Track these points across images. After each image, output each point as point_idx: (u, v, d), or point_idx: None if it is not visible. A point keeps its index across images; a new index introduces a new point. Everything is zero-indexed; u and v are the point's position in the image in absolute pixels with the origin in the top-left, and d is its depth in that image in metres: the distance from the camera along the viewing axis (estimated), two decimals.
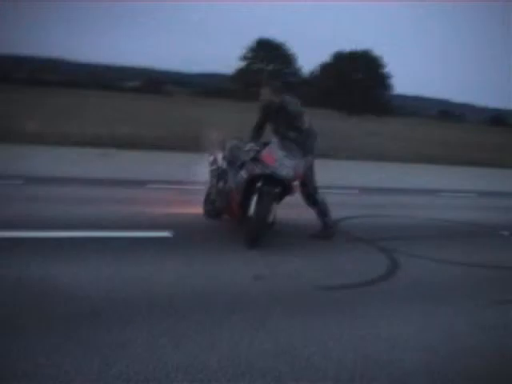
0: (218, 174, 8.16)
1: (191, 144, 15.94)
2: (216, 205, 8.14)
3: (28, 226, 7.08)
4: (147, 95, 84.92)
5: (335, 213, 8.63)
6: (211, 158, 8.47)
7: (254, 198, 7.13)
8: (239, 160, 7.66)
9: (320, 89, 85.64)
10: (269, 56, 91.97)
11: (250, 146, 7.46)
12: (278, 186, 7.16)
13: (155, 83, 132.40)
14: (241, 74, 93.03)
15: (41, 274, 5.46)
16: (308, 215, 8.44)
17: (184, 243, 7.05)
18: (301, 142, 7.42)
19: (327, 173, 9.27)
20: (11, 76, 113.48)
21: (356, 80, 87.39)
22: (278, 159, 7.12)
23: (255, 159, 7.26)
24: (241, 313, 4.99)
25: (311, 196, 7.85)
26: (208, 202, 8.43)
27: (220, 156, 8.33)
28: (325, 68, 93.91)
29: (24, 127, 17.68)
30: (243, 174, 7.29)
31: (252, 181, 7.19)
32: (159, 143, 18.50)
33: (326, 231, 8.04)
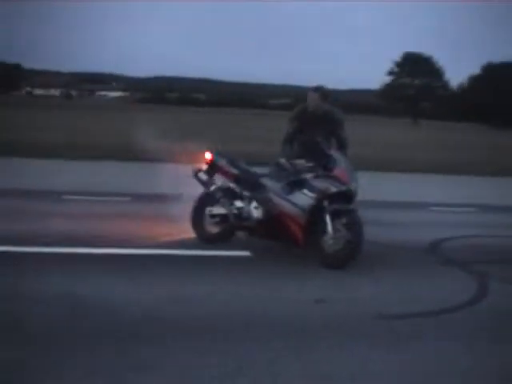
0: (228, 194, 7.25)
1: None
2: (231, 228, 7.24)
3: None
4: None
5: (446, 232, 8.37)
6: (204, 177, 7.44)
7: (327, 218, 6.60)
8: (284, 178, 6.92)
9: (471, 102, 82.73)
10: (416, 70, 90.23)
11: (299, 162, 6.96)
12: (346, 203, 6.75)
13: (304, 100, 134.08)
14: (387, 89, 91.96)
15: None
16: (387, 234, 8.17)
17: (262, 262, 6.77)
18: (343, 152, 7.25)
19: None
20: (164, 96, 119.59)
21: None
22: (350, 174, 6.75)
23: (324, 176, 6.72)
24: (284, 338, 4.59)
25: None
26: (202, 224, 7.34)
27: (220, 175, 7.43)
28: (475, 80, 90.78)
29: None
30: (309, 193, 6.66)
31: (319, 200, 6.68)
32: None
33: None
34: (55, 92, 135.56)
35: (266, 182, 7.04)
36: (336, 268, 6.54)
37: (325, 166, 6.78)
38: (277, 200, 6.83)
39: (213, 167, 7.39)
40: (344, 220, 6.60)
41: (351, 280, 6.30)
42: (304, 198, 6.67)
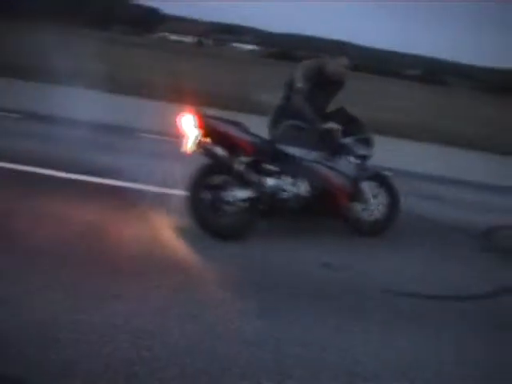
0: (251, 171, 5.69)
1: None
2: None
3: None
4: (426, 85, 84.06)
5: None
6: (219, 151, 5.62)
7: (366, 185, 6.24)
8: (320, 145, 6.00)
9: None
10: None
11: (329, 125, 5.98)
12: None
13: (436, 73, 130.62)
14: None
15: None
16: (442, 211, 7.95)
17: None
18: None
19: None
20: (293, 53, 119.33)
21: None
22: None
23: (362, 140, 6.17)
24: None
25: None
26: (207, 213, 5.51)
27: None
28: None
29: None
30: (354, 160, 6.12)
31: None
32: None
33: None
34: (189, 39, 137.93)
35: (291, 149, 5.92)
36: (373, 236, 6.27)
37: (349, 128, 6.10)
38: (325, 171, 5.94)
39: (213, 136, 5.59)
40: (381, 186, 6.36)
41: (371, 250, 5.92)
42: (350, 165, 6.06)
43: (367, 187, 6.26)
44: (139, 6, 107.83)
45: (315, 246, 5.70)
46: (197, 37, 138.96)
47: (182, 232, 5.50)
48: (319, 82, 6.21)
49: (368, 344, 3.88)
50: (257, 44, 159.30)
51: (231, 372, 3.26)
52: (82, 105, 11.38)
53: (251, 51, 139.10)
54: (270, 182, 5.72)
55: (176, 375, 3.14)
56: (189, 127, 5.50)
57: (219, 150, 5.57)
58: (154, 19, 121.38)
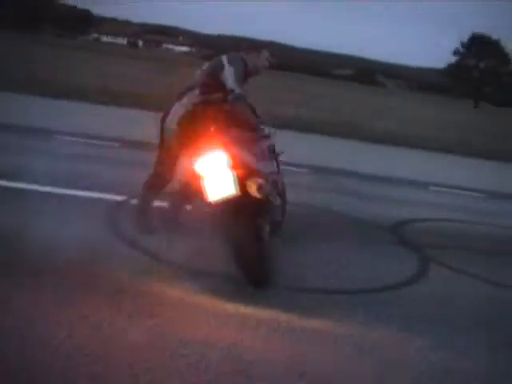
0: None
1: None
2: None
3: None
4: (360, 85, 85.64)
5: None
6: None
7: None
8: None
9: None
10: (482, 53, 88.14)
11: None
12: None
13: (366, 73, 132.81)
14: (452, 69, 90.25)
15: None
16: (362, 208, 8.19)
17: None
18: None
19: None
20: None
21: None
22: None
23: None
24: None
25: None
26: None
27: None
28: None
29: None
30: None
31: None
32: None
33: None
34: (122, 40, 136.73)
35: None
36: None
37: None
38: None
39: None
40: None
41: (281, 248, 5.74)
42: None
43: None
44: (69, 7, 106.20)
45: None
46: (129, 38, 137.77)
47: None
48: None
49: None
50: (190, 45, 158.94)
51: None
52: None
53: (185, 53, 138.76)
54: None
55: None
56: (217, 168, 4.53)
57: None
58: (85, 20, 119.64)
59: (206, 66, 5.78)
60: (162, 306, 4.13)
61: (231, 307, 4.29)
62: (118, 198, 6.82)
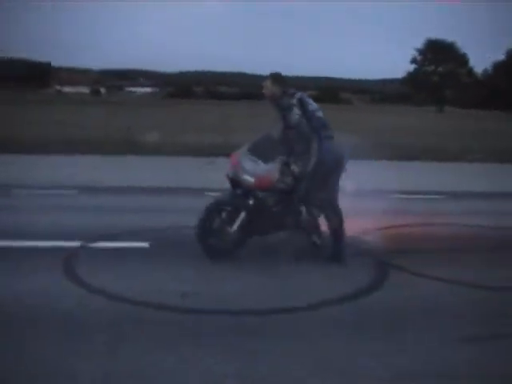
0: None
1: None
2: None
3: None
4: (324, 104, 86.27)
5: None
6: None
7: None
8: None
9: (496, 88, 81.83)
10: (439, 57, 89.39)
11: None
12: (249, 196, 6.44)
13: (332, 91, 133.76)
14: (412, 77, 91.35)
15: None
16: None
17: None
18: (286, 142, 6.56)
19: None
20: (191, 90, 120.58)
21: None
22: (241, 161, 6.47)
23: None
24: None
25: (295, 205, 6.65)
26: None
27: None
28: (497, 67, 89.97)
29: None
30: None
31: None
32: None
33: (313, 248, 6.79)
34: (85, 89, 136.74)
35: None
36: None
37: None
38: None
39: None
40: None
41: (232, 273, 6.08)
42: None
43: None
44: (27, 62, 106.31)
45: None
46: (91, 86, 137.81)
47: None
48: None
49: None
50: (153, 86, 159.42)
51: None
52: None
53: (150, 93, 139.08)
54: None
55: None
56: None
57: None
58: (46, 73, 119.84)
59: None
60: None
61: None
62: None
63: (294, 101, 6.51)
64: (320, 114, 6.62)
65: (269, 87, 6.69)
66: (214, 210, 6.41)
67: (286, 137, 6.59)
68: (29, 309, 4.90)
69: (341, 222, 6.60)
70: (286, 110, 6.50)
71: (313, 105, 6.64)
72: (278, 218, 6.51)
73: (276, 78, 6.73)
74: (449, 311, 5.24)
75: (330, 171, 6.50)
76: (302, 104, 6.52)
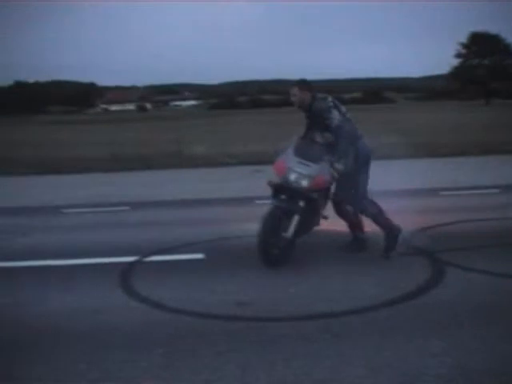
0: None
1: None
2: None
3: None
4: (369, 105, 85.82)
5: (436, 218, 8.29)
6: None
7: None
8: None
9: None
10: (484, 50, 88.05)
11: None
12: (299, 199, 6.44)
13: (375, 92, 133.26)
14: (457, 72, 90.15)
15: None
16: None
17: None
18: (329, 144, 6.62)
19: None
20: (235, 100, 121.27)
21: None
22: (291, 166, 6.48)
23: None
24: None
25: (339, 205, 6.86)
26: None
27: None
28: None
29: None
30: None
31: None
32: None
33: (355, 245, 7.00)
34: (131, 106, 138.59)
35: None
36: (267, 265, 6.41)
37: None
38: None
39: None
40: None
41: (295, 275, 6.17)
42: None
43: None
44: (74, 83, 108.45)
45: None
46: (137, 103, 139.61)
47: None
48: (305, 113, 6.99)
49: None
50: (196, 98, 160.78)
51: None
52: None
53: (196, 106, 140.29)
54: None
55: None
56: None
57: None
58: (91, 93, 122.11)
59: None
60: None
61: None
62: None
63: (331, 103, 6.67)
64: (349, 114, 6.80)
65: (297, 94, 6.80)
66: (272, 217, 6.42)
67: (326, 139, 6.69)
68: (90, 325, 4.98)
69: (379, 215, 6.72)
70: (325, 113, 6.62)
71: (343, 107, 6.81)
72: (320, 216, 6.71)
73: (302, 83, 6.86)
74: (508, 307, 5.15)
75: (366, 168, 6.79)
76: (336, 106, 6.68)
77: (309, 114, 6.89)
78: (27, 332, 4.85)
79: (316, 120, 6.76)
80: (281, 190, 6.52)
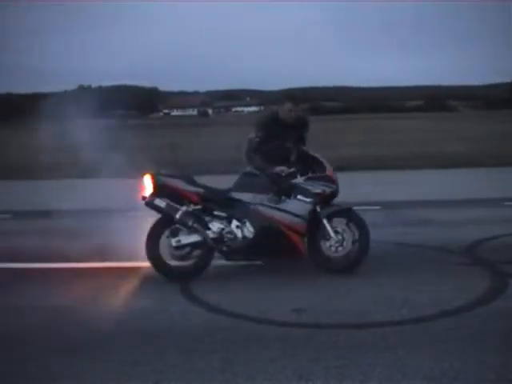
0: (198, 218, 6.34)
1: None
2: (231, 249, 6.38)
3: None
4: (430, 113, 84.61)
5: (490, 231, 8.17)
6: (163, 203, 6.31)
7: (325, 222, 6.39)
8: (267, 188, 6.43)
9: None
10: None
11: (279, 169, 6.47)
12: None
13: (437, 100, 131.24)
14: None
15: None
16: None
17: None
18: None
19: None
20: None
21: None
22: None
23: (316, 178, 6.46)
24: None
25: None
26: (161, 258, 6.41)
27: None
28: None
29: None
30: (305, 198, 6.32)
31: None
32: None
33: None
34: (192, 111, 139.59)
35: (241, 195, 6.45)
36: (343, 272, 6.41)
37: (310, 168, 6.58)
38: (269, 212, 6.31)
39: (163, 190, 6.39)
40: (344, 221, 6.49)
41: (345, 283, 6.13)
42: (300, 204, 6.32)
43: (329, 224, 6.43)
44: (137, 88, 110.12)
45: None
46: (199, 108, 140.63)
47: None
48: (275, 130, 6.70)
49: None
50: (257, 104, 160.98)
51: None
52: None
53: (257, 112, 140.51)
54: (215, 226, 6.34)
55: None
56: (146, 186, 6.44)
57: (162, 203, 6.30)
58: (154, 98, 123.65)
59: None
60: None
61: None
62: None
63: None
64: None
65: (290, 109, 6.73)
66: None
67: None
68: (149, 327, 5.09)
69: None
70: (305, 128, 6.95)
71: None
72: None
73: (297, 98, 6.77)
74: None
75: None
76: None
77: (289, 128, 6.75)
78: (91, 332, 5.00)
79: (302, 135, 6.93)
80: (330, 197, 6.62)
